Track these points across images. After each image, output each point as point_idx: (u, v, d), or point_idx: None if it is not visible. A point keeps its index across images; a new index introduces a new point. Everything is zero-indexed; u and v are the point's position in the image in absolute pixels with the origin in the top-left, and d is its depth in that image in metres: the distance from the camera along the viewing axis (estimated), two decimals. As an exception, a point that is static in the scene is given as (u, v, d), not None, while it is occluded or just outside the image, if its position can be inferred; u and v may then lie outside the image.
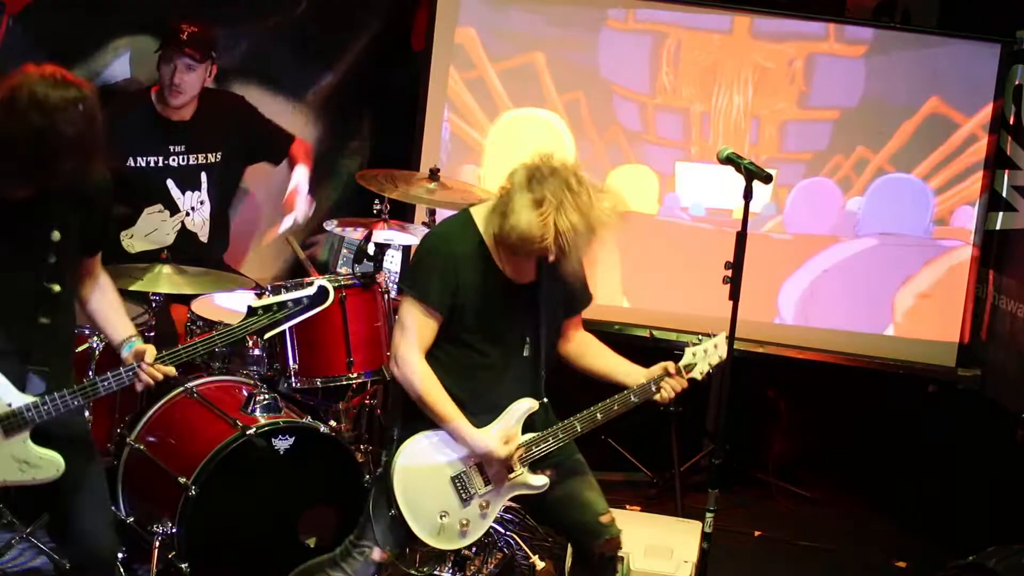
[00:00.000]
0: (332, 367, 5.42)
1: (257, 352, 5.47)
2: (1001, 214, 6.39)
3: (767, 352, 6.53)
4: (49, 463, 3.98)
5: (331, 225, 5.96)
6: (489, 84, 5.84)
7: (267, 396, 5.17)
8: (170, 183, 5.95)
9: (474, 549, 5.24)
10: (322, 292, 4.17)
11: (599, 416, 4.38)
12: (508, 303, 4.24)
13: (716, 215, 6.20)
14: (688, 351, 4.49)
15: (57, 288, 3.93)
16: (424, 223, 5.78)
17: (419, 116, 6.59)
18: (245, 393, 5.23)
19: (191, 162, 5.98)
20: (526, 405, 4.34)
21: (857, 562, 6.28)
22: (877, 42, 5.98)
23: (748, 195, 4.55)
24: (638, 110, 5.83)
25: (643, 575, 5.15)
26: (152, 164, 5.91)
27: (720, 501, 4.81)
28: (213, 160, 6.03)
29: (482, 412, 4.30)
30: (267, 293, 5.16)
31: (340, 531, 4.94)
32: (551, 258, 4.06)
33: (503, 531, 5.38)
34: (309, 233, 6.78)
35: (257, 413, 5.10)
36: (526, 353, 4.33)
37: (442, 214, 5.75)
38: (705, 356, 4.50)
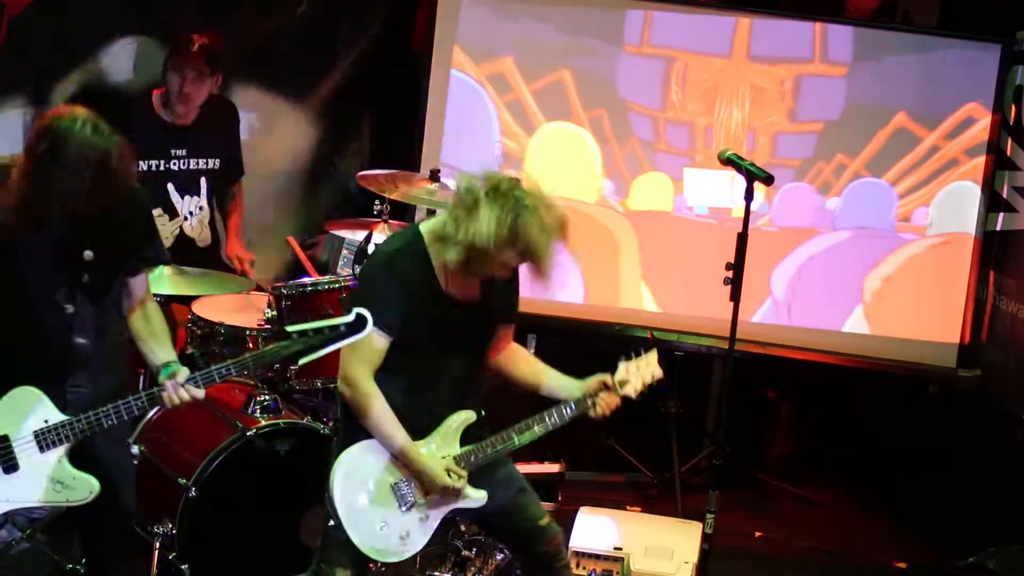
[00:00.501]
0: (332, 368, 5.39)
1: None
2: (1001, 215, 6.39)
3: (768, 353, 6.53)
4: (83, 484, 3.98)
5: (332, 226, 5.97)
6: (524, 104, 6.50)
7: (267, 397, 5.16)
8: (170, 187, 5.95)
9: (474, 550, 5.25)
10: (360, 320, 4.07)
11: (536, 428, 4.34)
12: (452, 322, 4.21)
13: (717, 213, 6.57)
14: (622, 366, 4.40)
15: (71, 309, 3.94)
16: (424, 224, 5.76)
17: (419, 117, 6.59)
18: (245, 394, 5.23)
19: (192, 167, 5.98)
20: (463, 417, 4.31)
21: (857, 563, 6.28)
22: (857, 60, 6.43)
23: (749, 196, 4.55)
24: (651, 123, 6.46)
25: (643, 576, 5.17)
26: (154, 168, 5.90)
27: (720, 502, 4.81)
28: (213, 166, 6.04)
29: (422, 425, 4.27)
30: (270, 298, 5.20)
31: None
32: (513, 264, 4.08)
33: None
34: (309, 234, 6.79)
35: (257, 414, 5.10)
36: (467, 368, 4.32)
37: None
38: (638, 372, 4.41)
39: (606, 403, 4.35)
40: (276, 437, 5.01)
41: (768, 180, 4.55)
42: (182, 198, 5.99)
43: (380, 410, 4.18)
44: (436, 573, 5.24)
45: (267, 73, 6.64)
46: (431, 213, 5.72)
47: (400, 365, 4.21)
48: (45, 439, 3.92)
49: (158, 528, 4.89)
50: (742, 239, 4.55)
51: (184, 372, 4.01)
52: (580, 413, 4.38)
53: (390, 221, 5.69)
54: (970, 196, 6.43)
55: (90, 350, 4.00)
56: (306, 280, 5.50)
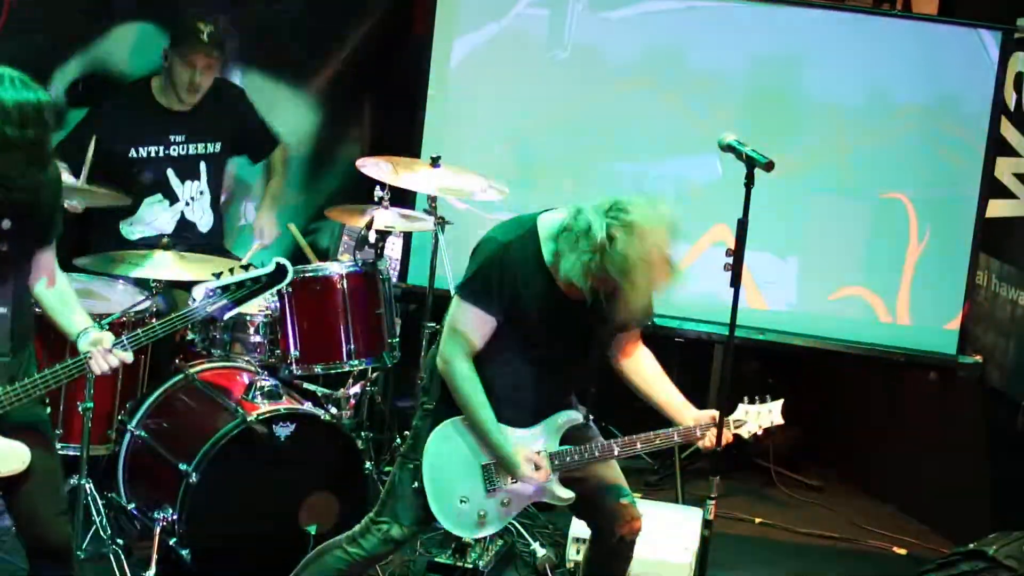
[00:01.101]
0: (332, 354, 5.41)
1: (258, 339, 5.47)
2: (1001, 202, 6.39)
3: (768, 340, 6.53)
4: (15, 454, 3.94)
5: (332, 212, 5.96)
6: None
7: (268, 383, 5.17)
8: (170, 172, 5.95)
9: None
10: (280, 270, 4.11)
11: (639, 445, 4.39)
12: (563, 318, 4.20)
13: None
14: (741, 407, 4.45)
15: None
16: (425, 210, 5.76)
17: (421, 102, 6.57)
18: (246, 380, 5.23)
19: (191, 152, 5.97)
20: (568, 416, 4.35)
21: (857, 549, 6.29)
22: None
23: (750, 182, 4.52)
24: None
25: (644, 562, 5.15)
26: (153, 154, 5.90)
27: (721, 488, 4.80)
28: (213, 150, 6.03)
29: (521, 410, 4.31)
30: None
31: (341, 518, 4.96)
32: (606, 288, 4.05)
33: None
34: (310, 220, 6.78)
35: (258, 400, 5.10)
36: (574, 366, 4.34)
37: (443, 202, 5.75)
38: (757, 417, 4.45)
39: (714, 438, 4.34)
40: (277, 423, 5.01)
41: (769, 166, 4.53)
42: (182, 183, 5.98)
43: (471, 392, 4.20)
44: (437, 559, 5.25)
45: (268, 57, 6.62)
46: (432, 201, 5.71)
47: (506, 353, 4.23)
48: None
49: (159, 514, 4.91)
50: (742, 225, 4.52)
51: (109, 337, 3.98)
52: (686, 442, 4.44)
53: (391, 207, 5.68)
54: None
55: (10, 320, 3.94)
56: (307, 267, 5.50)
